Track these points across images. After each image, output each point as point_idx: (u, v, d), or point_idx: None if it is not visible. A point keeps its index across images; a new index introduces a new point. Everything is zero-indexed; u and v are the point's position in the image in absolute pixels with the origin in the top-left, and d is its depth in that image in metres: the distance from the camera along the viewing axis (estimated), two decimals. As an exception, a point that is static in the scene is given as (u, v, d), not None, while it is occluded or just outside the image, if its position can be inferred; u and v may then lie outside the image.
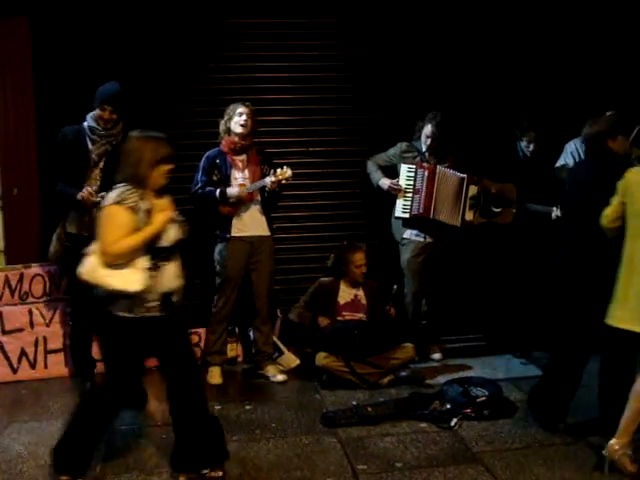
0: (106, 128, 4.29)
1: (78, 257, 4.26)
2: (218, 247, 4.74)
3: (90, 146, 4.29)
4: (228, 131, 4.69)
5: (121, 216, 3.14)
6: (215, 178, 4.66)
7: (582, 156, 5.27)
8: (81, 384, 4.60)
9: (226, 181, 4.64)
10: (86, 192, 4.17)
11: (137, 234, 3.14)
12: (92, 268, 3.19)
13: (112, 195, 3.19)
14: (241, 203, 4.64)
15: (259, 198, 4.70)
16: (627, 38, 5.68)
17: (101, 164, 4.31)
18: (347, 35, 5.45)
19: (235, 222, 4.67)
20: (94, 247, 3.24)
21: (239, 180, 4.66)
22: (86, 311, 4.49)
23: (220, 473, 3.39)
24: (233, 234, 4.66)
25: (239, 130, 4.63)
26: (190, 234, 4.96)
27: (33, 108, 5.02)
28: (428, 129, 4.94)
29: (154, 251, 3.20)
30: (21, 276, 4.89)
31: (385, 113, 5.51)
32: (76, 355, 4.63)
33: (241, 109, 4.64)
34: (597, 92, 5.51)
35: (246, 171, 4.69)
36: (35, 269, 4.87)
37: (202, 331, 5.06)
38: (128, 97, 4.41)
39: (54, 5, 5.01)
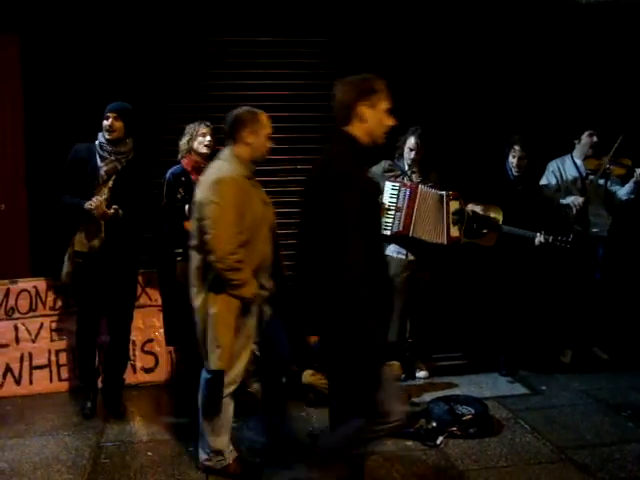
0: (112, 140, 4.23)
1: (89, 274, 4.30)
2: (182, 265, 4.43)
3: (99, 162, 4.25)
4: (190, 150, 4.61)
5: None
6: (179, 196, 4.60)
7: (564, 175, 5.35)
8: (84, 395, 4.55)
9: (190, 200, 4.60)
10: (96, 200, 4.13)
11: None
12: None
13: None
14: None
15: None
16: (615, 56, 5.80)
17: (110, 182, 4.25)
18: (333, 53, 5.53)
19: None
20: None
21: None
22: (94, 327, 4.47)
23: None
24: None
25: (203, 150, 4.56)
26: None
27: (22, 124, 5.04)
28: (411, 141, 4.99)
29: None
30: (7, 291, 4.86)
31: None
32: (83, 368, 4.55)
33: (204, 129, 4.58)
34: (584, 111, 5.61)
35: None
36: (21, 285, 4.85)
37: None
38: (135, 113, 4.35)
39: (44, 23, 5.05)
